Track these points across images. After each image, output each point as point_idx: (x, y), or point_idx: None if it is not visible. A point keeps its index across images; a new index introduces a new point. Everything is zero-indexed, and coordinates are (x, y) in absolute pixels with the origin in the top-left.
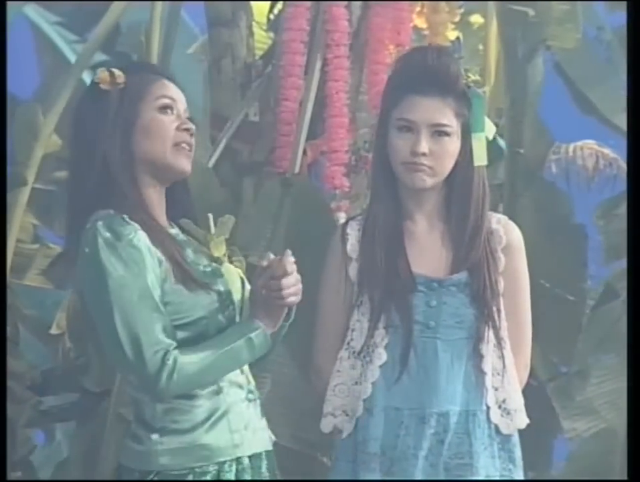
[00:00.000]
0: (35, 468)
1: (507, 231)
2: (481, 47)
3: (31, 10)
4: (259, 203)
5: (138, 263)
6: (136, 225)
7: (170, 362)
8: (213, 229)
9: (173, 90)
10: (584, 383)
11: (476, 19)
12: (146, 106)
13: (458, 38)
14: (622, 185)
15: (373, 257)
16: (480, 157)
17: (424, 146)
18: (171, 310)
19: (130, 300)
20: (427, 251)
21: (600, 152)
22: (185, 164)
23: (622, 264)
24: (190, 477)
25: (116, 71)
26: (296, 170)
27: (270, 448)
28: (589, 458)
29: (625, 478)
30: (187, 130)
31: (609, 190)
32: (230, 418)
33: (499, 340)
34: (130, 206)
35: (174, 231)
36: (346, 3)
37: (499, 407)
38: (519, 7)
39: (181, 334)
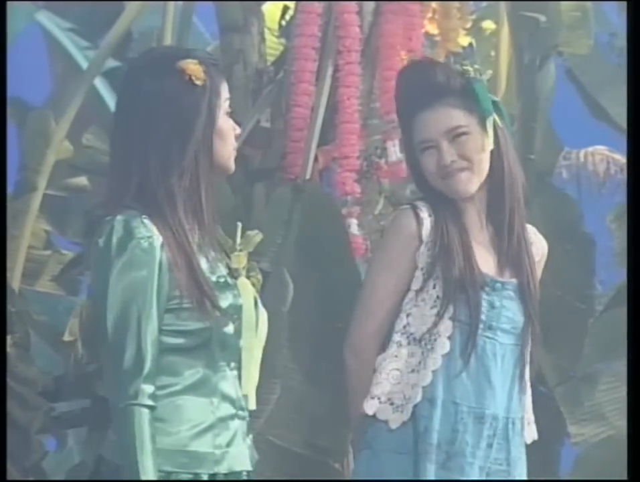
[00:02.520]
0: (47, 475)
1: (541, 244)
2: (492, 53)
3: (44, 17)
4: (270, 209)
5: (142, 268)
6: (154, 230)
7: (141, 400)
8: (239, 240)
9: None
10: (592, 389)
11: (488, 25)
12: (219, 108)
13: (471, 44)
14: None
15: (449, 246)
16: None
17: (448, 157)
18: (174, 316)
19: (124, 303)
20: (482, 250)
21: (611, 157)
22: (233, 166)
23: None
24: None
25: (198, 66)
26: (308, 176)
27: (250, 468)
28: (596, 465)
29: None
30: (236, 135)
31: (620, 195)
32: (216, 432)
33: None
34: (167, 207)
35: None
36: (357, 9)
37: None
38: (530, 13)
39: (178, 340)
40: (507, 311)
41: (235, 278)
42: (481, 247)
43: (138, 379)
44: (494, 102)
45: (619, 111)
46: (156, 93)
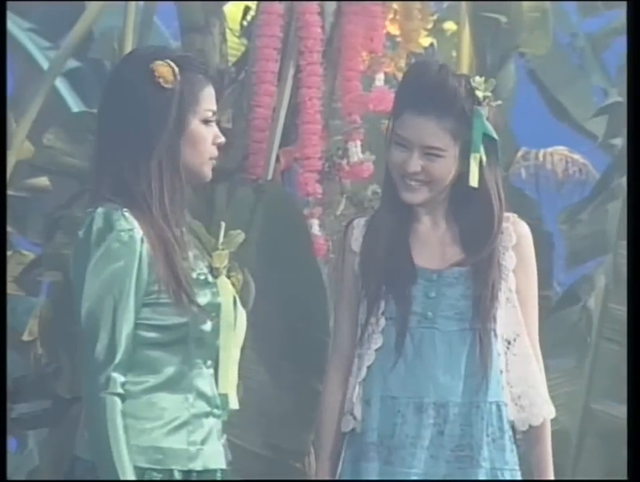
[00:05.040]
0: (8, 476)
1: (516, 229)
2: (454, 53)
3: None
4: (232, 209)
5: (121, 260)
6: (135, 223)
7: (112, 388)
8: (221, 239)
9: (214, 100)
10: None
11: (449, 25)
12: (194, 115)
13: (432, 45)
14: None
15: (375, 248)
16: (474, 178)
17: (415, 165)
18: (151, 311)
19: (100, 293)
20: (429, 246)
21: (571, 158)
22: (209, 173)
23: (584, 269)
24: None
25: (174, 67)
26: (269, 177)
27: (224, 466)
28: None
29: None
30: (218, 144)
31: (578, 195)
32: (190, 429)
33: (497, 336)
34: (144, 203)
35: (181, 230)
36: (319, 10)
37: (515, 404)
38: (491, 14)
39: (155, 335)
40: (447, 299)
41: (216, 277)
42: (428, 244)
43: (109, 368)
44: (492, 140)
45: (580, 111)
46: (129, 93)
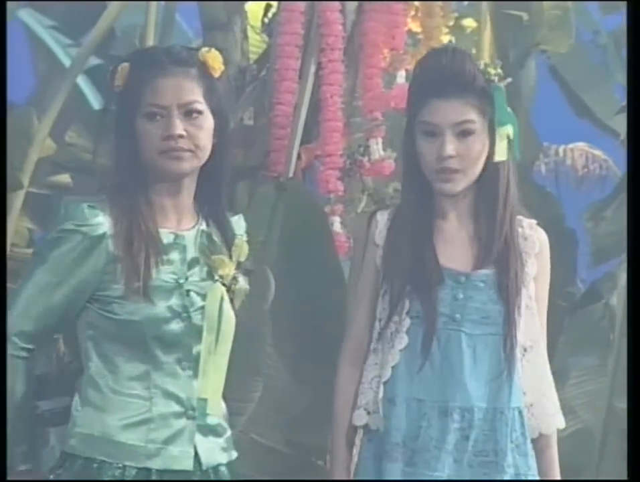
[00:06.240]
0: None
1: (539, 237)
2: (473, 51)
3: (26, 14)
4: (253, 207)
5: (67, 243)
6: (99, 218)
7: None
8: (232, 248)
9: (165, 92)
10: (562, 383)
11: (468, 22)
12: (137, 113)
13: (450, 42)
14: (612, 187)
15: (399, 244)
16: (500, 152)
17: (450, 148)
18: (107, 304)
19: (35, 274)
20: (455, 247)
21: (591, 153)
22: (175, 167)
23: (608, 266)
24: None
25: (119, 71)
26: (291, 174)
27: (190, 469)
28: (564, 458)
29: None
30: (170, 137)
31: (599, 191)
32: (152, 427)
33: (517, 342)
34: (125, 200)
35: (189, 233)
36: (340, 7)
37: (527, 411)
38: (513, 11)
39: (113, 329)
40: (475, 302)
41: (213, 280)
42: (455, 244)
43: (13, 331)
44: (510, 114)
45: (602, 108)
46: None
